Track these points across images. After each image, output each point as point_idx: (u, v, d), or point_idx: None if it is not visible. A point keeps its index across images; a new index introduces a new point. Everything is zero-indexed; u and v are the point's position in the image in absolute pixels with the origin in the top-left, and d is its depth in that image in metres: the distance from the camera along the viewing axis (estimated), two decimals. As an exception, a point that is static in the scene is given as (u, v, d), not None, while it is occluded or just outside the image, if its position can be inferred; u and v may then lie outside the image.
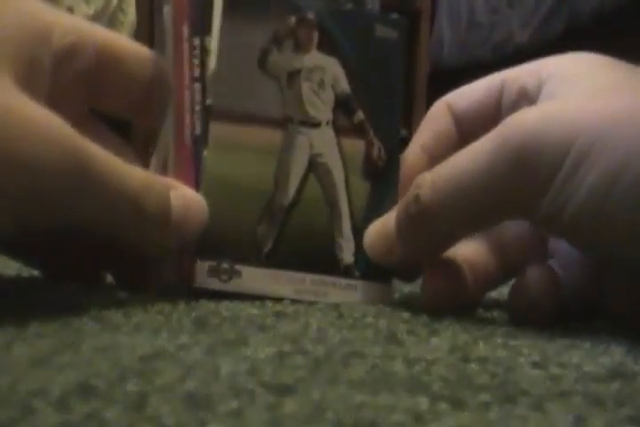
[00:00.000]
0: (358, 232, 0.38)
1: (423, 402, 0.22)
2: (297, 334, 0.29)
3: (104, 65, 0.34)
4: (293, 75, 0.38)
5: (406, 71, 0.39)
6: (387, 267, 0.37)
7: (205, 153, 0.36)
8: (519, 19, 1.76)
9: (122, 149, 0.35)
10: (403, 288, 0.42)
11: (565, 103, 0.33)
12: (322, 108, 0.38)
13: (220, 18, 0.37)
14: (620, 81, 0.34)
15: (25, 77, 0.30)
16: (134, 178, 0.32)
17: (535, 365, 0.27)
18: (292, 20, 0.38)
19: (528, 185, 0.32)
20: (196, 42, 0.37)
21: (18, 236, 0.32)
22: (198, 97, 0.37)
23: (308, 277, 0.37)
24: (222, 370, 0.24)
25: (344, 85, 0.38)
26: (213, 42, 0.37)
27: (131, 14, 1.77)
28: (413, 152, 0.39)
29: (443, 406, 0.22)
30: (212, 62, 0.37)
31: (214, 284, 0.36)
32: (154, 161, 0.39)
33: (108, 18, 1.71)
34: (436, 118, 0.39)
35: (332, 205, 0.38)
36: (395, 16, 0.40)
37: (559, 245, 0.38)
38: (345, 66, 0.38)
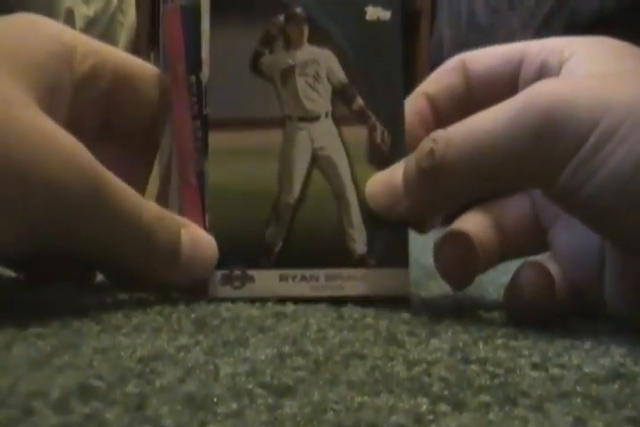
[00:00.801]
0: (369, 220, 0.37)
1: (423, 403, 0.22)
2: (297, 335, 0.29)
3: (119, 84, 0.36)
4: (287, 72, 0.37)
5: (407, 54, 0.37)
6: (402, 250, 0.37)
7: (206, 165, 0.36)
8: (519, 19, 1.76)
9: (132, 166, 0.37)
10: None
11: (594, 79, 0.32)
12: (319, 101, 0.38)
13: (209, 24, 0.37)
14: None
15: (49, 103, 0.32)
16: (149, 209, 0.33)
17: (535, 366, 0.27)
18: (281, 18, 0.37)
19: (547, 155, 0.30)
20: (192, 80, 0.37)
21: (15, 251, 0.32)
22: (198, 134, 0.37)
23: (322, 272, 0.36)
24: (222, 371, 0.24)
25: (340, 75, 0.38)
26: (204, 51, 0.37)
27: (131, 15, 1.77)
28: (416, 99, 0.39)
29: (443, 407, 0.22)
30: (206, 72, 0.37)
31: (228, 292, 0.35)
32: (156, 168, 0.39)
33: (108, 19, 1.71)
34: (450, 73, 0.39)
35: (340, 196, 0.37)
36: None
37: (560, 238, 0.37)
38: (339, 55, 0.38)
